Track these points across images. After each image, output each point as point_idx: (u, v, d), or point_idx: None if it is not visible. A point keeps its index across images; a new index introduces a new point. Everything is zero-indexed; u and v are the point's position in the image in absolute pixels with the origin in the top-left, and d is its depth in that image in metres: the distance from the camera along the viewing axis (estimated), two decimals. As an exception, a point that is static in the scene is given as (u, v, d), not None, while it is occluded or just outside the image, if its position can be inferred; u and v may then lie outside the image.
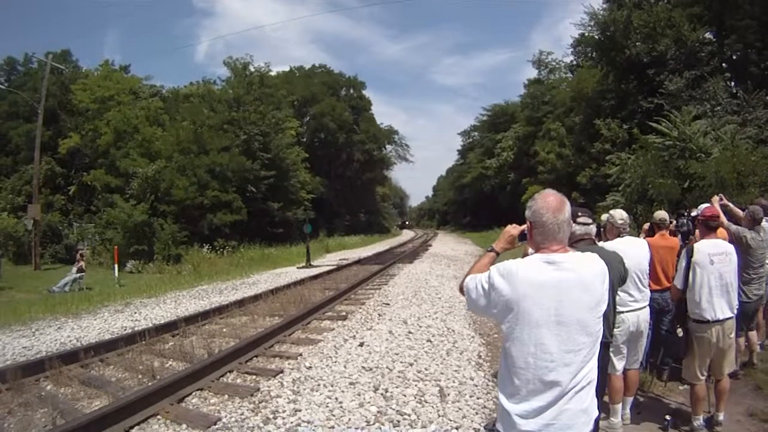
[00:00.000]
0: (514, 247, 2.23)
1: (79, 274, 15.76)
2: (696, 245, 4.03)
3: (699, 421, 3.98)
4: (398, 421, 4.19)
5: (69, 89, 32.08)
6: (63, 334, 8.06)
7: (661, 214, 5.21)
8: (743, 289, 4.71)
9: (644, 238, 5.05)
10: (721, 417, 4.05)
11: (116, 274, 16.95)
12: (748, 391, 4.77)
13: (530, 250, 1.95)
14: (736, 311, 4.03)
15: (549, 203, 1.85)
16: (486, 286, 1.87)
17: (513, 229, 2.18)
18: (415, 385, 5.04)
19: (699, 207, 5.11)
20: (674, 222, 5.54)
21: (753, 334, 5.33)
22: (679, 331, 3.91)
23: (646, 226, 5.73)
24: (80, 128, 31.41)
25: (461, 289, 2.06)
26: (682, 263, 4.00)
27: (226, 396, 4.86)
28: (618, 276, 3.00)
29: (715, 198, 5.24)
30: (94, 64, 42.78)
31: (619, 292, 3.69)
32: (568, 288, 1.77)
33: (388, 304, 9.56)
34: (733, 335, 4.05)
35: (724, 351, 3.98)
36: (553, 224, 1.83)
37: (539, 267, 1.80)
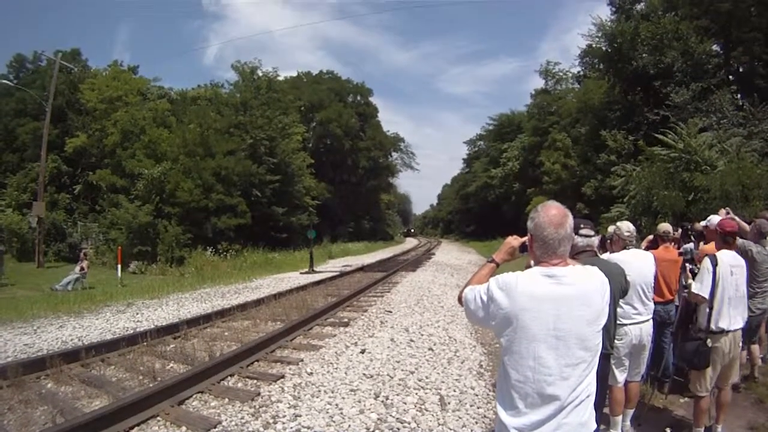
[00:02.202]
0: (515, 259, 2.22)
1: (81, 273, 15.83)
2: (718, 255, 4.00)
3: None
4: (398, 429, 4.19)
5: (77, 88, 32.35)
6: (64, 332, 8.09)
7: (665, 226, 5.19)
8: (748, 303, 4.70)
9: (646, 250, 5.02)
10: (719, 429, 4.04)
11: (119, 274, 17.01)
12: (750, 405, 4.75)
13: (531, 262, 1.94)
14: (744, 322, 4.05)
15: (551, 217, 1.83)
16: (485, 298, 1.86)
17: (514, 241, 2.17)
18: (416, 393, 5.03)
19: (709, 219, 5.06)
20: (679, 231, 5.50)
21: (755, 348, 5.31)
22: (709, 342, 3.88)
23: (650, 237, 5.70)
24: (87, 128, 31.63)
25: (460, 300, 2.05)
26: (708, 273, 3.93)
27: (227, 399, 4.86)
28: (619, 288, 2.99)
29: (722, 211, 5.23)
30: (103, 64, 43.19)
31: (622, 305, 3.68)
32: (567, 302, 1.76)
33: (391, 312, 9.55)
34: (740, 344, 4.08)
35: (733, 360, 4.01)
36: (554, 239, 1.81)
37: (538, 280, 1.79)
